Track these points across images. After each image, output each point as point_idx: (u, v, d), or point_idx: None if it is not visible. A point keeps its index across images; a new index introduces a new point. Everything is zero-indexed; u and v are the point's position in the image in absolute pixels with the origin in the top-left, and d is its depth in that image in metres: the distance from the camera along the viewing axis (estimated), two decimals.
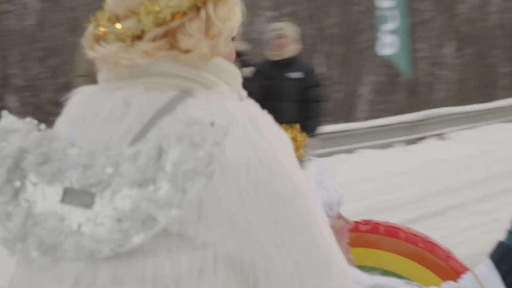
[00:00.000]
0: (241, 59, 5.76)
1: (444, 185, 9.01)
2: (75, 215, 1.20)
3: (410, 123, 13.55)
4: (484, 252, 2.19)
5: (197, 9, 1.24)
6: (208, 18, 1.25)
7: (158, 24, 1.23)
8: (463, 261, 2.04)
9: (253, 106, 1.25)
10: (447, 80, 21.10)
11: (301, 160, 1.58)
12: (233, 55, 1.35)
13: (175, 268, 1.18)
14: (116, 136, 1.23)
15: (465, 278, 1.79)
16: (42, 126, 1.28)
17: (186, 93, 1.24)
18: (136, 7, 1.25)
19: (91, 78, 2.64)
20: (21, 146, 1.25)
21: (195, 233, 1.18)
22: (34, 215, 1.22)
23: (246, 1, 1.34)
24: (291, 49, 6.71)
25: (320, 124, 6.60)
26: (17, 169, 1.25)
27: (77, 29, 12.20)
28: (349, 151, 11.90)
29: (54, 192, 1.22)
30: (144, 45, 1.23)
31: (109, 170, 1.19)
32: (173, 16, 1.23)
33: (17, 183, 1.25)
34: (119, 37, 1.25)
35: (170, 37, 1.24)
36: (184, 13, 1.23)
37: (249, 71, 6.25)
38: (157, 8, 1.23)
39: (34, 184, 1.24)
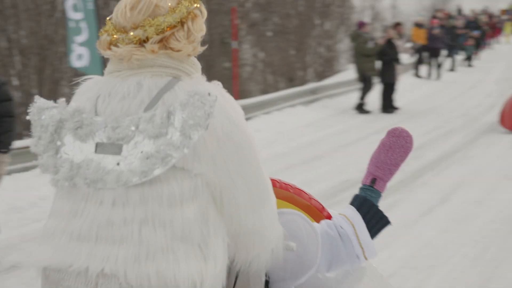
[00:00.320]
0: None
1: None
2: (107, 159, 1.78)
3: None
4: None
5: (182, 23, 1.89)
6: (189, 29, 1.90)
7: (158, 33, 1.86)
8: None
9: (219, 86, 1.90)
10: None
11: None
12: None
13: (180, 190, 1.80)
14: (133, 107, 1.83)
15: (338, 217, 2.37)
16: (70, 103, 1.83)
17: (176, 78, 1.87)
18: (140, 22, 1.86)
19: None
20: (60, 117, 1.80)
21: (192, 167, 1.81)
22: (75, 162, 1.79)
23: None
24: None
25: (13, 139, 6.17)
26: (56, 133, 1.80)
27: None
28: None
29: (89, 146, 1.79)
30: (150, 46, 1.85)
31: (132, 128, 1.78)
32: (168, 28, 1.87)
33: (58, 143, 1.79)
34: (132, 41, 1.85)
35: (165, 41, 1.87)
36: (174, 26, 1.88)
37: None
38: (157, 23, 1.85)
39: (72, 142, 1.79)
